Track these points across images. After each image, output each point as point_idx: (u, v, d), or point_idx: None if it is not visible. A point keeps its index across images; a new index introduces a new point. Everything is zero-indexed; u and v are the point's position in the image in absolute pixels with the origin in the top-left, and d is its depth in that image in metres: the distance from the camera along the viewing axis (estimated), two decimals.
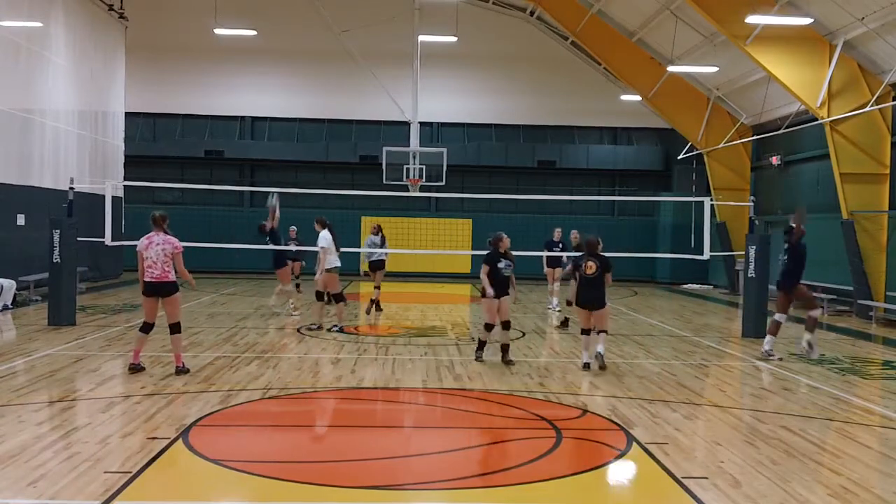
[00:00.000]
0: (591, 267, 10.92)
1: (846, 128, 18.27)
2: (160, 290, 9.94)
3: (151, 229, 10.04)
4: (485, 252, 11.51)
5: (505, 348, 11.40)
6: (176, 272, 10.05)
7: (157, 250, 9.90)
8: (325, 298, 15.22)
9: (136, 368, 10.00)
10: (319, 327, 14.34)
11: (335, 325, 14.35)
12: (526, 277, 16.52)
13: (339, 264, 14.33)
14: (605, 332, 11.06)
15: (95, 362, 10.72)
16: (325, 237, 14.16)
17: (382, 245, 17.48)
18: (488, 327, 11.37)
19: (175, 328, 10.06)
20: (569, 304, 13.46)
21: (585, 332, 11.13)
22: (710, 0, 18.48)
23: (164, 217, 10.14)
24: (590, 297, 10.95)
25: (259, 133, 30.67)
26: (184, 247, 10.19)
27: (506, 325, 11.36)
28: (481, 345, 11.62)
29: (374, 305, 17.42)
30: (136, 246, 10.15)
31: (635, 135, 31.05)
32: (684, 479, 6.22)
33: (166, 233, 10.06)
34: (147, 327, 10.08)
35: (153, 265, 9.88)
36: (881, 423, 8.40)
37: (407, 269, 27.69)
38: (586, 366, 10.90)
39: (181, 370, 10.00)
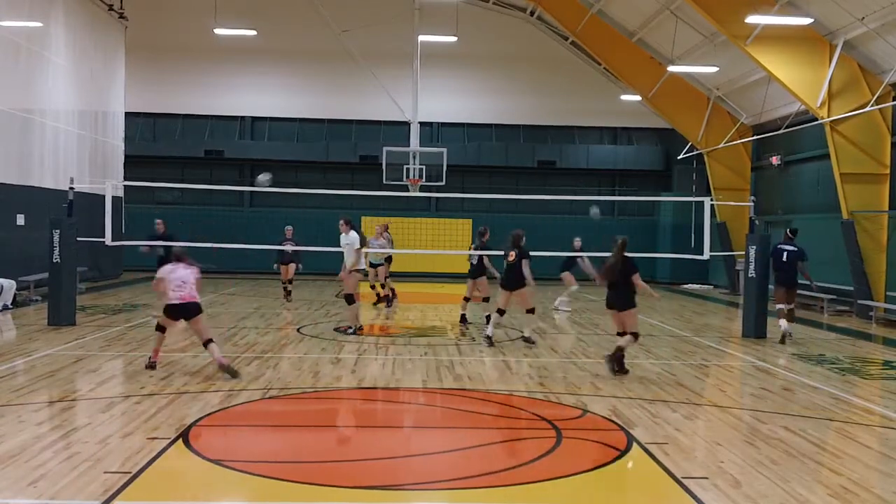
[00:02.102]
0: (511, 256, 12.72)
1: (846, 128, 18.27)
2: (187, 310, 10.02)
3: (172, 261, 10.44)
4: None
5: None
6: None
7: (187, 273, 10.21)
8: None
9: (153, 366, 10.20)
10: (359, 329, 13.99)
11: (351, 328, 13.98)
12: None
13: (363, 266, 14.25)
14: (532, 311, 12.89)
15: (95, 362, 10.72)
16: (356, 238, 13.76)
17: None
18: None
19: (209, 343, 10.03)
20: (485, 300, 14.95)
21: (502, 312, 12.97)
22: (710, 0, 18.48)
23: (183, 256, 10.52)
24: (510, 280, 12.72)
25: (259, 133, 30.67)
26: (184, 246, 10.37)
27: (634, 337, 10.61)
28: (616, 358, 10.57)
29: (393, 297, 18.95)
30: (136, 246, 10.35)
31: (635, 135, 31.05)
32: (684, 480, 6.22)
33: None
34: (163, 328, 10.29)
35: (182, 285, 10.05)
36: (881, 423, 8.40)
37: (407, 269, 27.67)
38: (489, 339, 12.79)
39: (226, 367, 9.86)
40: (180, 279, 10.12)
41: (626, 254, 10.65)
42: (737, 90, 23.91)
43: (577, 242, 18.32)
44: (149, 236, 16.21)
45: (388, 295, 18.70)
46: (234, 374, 9.79)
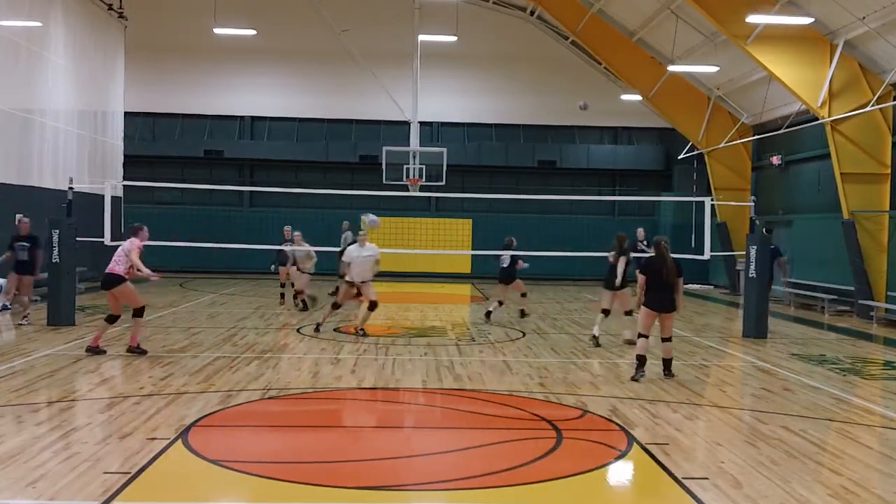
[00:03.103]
0: (619, 259, 12.96)
1: (847, 127, 18.25)
2: (104, 282, 11.11)
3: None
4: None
5: (668, 362, 10.49)
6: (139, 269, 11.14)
7: (120, 247, 11.18)
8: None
9: (93, 351, 11.08)
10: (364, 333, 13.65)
11: (363, 330, 13.82)
12: (525, 277, 16.51)
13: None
14: (629, 313, 13.03)
15: (94, 362, 10.70)
16: (376, 250, 13.97)
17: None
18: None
19: (136, 312, 11.17)
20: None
21: (629, 313, 13.02)
22: (710, 0, 18.47)
23: (133, 228, 11.45)
24: (612, 282, 12.94)
25: (259, 133, 30.65)
26: (182, 246, 10.59)
27: (667, 339, 10.43)
28: (642, 363, 10.32)
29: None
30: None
31: (636, 134, 31.03)
32: (685, 480, 6.21)
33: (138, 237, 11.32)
34: (112, 318, 11.17)
35: (114, 256, 11.11)
36: (882, 424, 8.38)
37: (407, 269, 27.66)
38: (595, 339, 13.09)
39: (134, 350, 11.08)
40: (116, 253, 11.12)
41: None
42: (737, 90, 23.89)
43: (642, 232, 18.36)
44: (13, 236, 14.89)
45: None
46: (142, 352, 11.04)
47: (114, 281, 10.94)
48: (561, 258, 18.54)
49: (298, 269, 17.46)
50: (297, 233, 17.18)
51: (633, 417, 8.21)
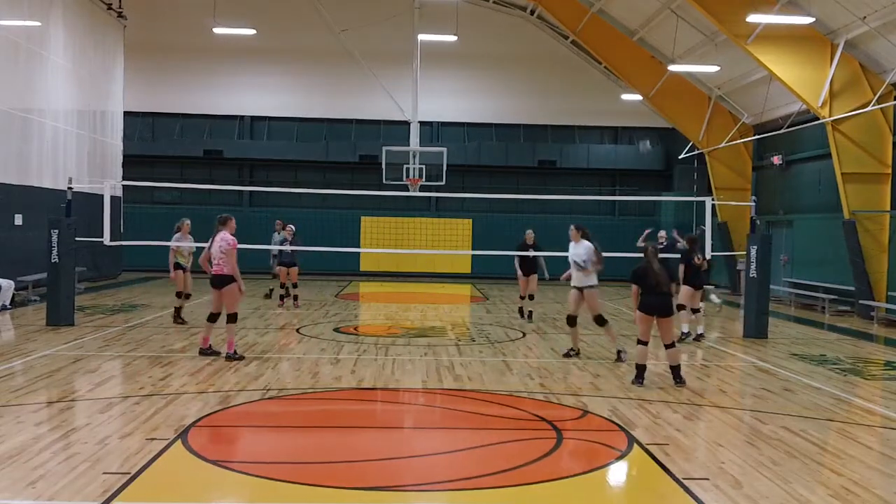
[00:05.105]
0: (699, 259, 13.53)
1: (848, 127, 18.24)
2: (216, 282, 11.14)
3: (216, 230, 11.34)
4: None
5: (676, 370, 10.05)
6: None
7: (217, 246, 11.13)
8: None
9: (205, 352, 11.17)
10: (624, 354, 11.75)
11: (623, 352, 11.74)
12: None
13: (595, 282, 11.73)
14: (697, 311, 14.03)
15: (94, 362, 10.69)
16: (590, 249, 11.56)
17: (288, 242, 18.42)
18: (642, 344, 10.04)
19: (230, 318, 11.11)
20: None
21: (696, 310, 13.93)
22: None
23: (222, 219, 11.46)
24: (700, 281, 13.81)
25: (258, 133, 30.64)
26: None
27: (669, 345, 10.03)
28: (641, 371, 10.01)
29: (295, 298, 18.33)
30: (135, 246, 10.87)
31: (636, 134, 31.02)
32: (685, 480, 6.20)
33: (228, 232, 11.32)
34: (212, 317, 11.26)
35: (214, 258, 11.16)
36: (882, 424, 8.37)
37: (407, 269, 27.67)
38: (699, 337, 13.94)
39: (231, 356, 10.95)
40: (214, 254, 11.16)
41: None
42: (738, 89, 23.88)
43: (663, 234, 18.44)
44: None
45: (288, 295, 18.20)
46: (237, 359, 10.91)
47: (225, 280, 11.05)
48: (561, 258, 18.46)
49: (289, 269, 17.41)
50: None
51: (633, 418, 8.20)
